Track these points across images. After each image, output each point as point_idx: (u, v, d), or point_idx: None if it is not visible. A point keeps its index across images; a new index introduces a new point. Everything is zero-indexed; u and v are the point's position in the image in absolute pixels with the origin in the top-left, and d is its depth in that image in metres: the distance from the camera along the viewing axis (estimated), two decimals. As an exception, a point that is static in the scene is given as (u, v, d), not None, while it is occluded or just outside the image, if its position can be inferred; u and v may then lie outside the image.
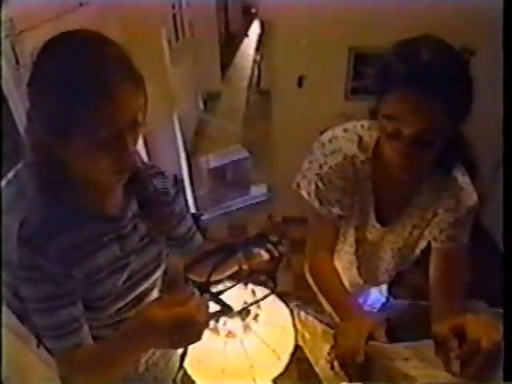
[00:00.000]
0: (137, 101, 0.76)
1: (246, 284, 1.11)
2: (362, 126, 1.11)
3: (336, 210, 1.12)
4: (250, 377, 1.02)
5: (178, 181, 3.39)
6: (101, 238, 0.91)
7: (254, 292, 1.09)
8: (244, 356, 1.02)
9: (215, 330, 1.03)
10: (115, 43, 0.76)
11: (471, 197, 1.09)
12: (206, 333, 1.03)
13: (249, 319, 1.04)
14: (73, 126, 0.71)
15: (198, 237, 1.18)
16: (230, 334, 1.03)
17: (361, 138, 1.09)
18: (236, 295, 1.09)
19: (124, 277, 0.97)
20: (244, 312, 1.03)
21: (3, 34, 1.33)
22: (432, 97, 0.85)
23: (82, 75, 0.69)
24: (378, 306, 1.66)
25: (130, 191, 0.97)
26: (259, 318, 1.05)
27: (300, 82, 2.96)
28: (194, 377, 1.06)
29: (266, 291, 1.14)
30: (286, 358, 1.06)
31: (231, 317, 1.03)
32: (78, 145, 0.74)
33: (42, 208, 0.84)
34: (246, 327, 1.03)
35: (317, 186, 1.12)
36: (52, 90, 0.71)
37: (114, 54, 0.74)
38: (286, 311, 1.13)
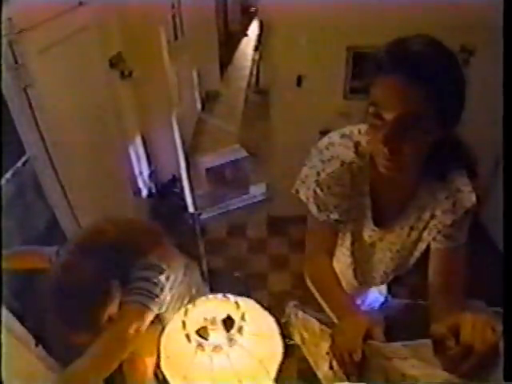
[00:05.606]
0: None
1: (227, 296, 1.08)
2: (359, 131, 1.11)
3: (334, 216, 1.12)
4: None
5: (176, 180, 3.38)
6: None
7: (237, 304, 1.06)
8: (231, 370, 0.99)
9: (200, 346, 0.99)
10: None
11: (469, 198, 1.09)
12: (192, 349, 0.99)
13: (233, 331, 1.01)
14: None
15: None
16: (215, 348, 0.99)
17: (358, 143, 1.09)
18: (219, 307, 1.07)
19: None
20: (228, 324, 1.01)
21: (2, 33, 1.32)
22: (413, 81, 0.84)
23: None
24: (377, 305, 1.66)
25: None
26: (243, 330, 1.02)
27: (299, 81, 2.97)
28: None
29: (250, 302, 1.11)
30: (274, 369, 1.03)
31: (215, 329, 1.01)
32: None
33: None
34: (231, 340, 1.00)
35: (315, 192, 1.12)
36: None
37: None
38: (271, 320, 1.10)
